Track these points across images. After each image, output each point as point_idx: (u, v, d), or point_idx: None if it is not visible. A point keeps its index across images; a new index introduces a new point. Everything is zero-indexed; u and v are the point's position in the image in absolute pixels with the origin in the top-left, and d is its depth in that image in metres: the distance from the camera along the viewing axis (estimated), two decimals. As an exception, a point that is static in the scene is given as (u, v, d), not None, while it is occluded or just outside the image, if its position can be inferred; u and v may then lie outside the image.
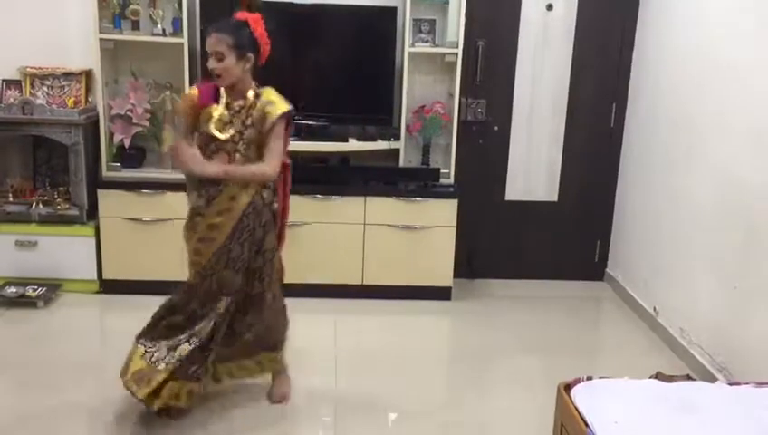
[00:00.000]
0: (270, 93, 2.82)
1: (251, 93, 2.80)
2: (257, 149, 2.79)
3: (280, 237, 3.02)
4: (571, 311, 4.40)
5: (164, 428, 2.93)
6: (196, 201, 2.85)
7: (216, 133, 2.76)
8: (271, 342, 3.07)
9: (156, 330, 2.91)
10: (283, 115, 2.76)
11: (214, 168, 2.72)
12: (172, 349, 2.84)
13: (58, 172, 4.34)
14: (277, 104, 2.77)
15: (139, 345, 2.92)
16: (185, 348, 2.83)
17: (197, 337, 2.84)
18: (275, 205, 2.94)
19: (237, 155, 2.78)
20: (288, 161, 2.95)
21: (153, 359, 2.86)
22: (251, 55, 2.76)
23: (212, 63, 2.73)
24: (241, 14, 2.80)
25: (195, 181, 2.84)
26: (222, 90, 2.80)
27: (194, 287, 2.87)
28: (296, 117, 2.92)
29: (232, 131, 2.77)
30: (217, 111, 2.78)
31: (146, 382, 2.80)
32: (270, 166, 2.76)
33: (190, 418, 2.97)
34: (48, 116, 4.02)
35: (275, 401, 3.12)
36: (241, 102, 2.80)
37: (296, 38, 4.21)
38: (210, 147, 2.78)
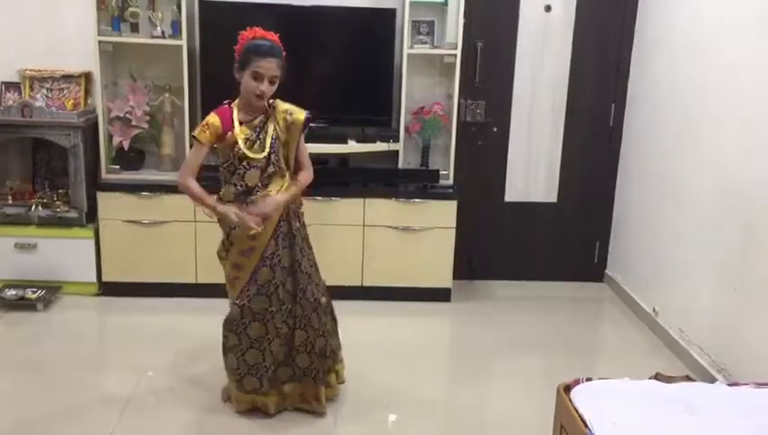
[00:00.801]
0: (281, 103, 2.88)
1: (267, 107, 2.85)
2: (287, 157, 2.89)
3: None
4: (570, 312, 4.39)
5: (163, 428, 2.93)
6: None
7: (252, 155, 2.79)
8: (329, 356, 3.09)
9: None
10: (307, 119, 2.86)
11: (270, 208, 2.78)
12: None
13: (57, 174, 4.34)
14: (296, 111, 2.86)
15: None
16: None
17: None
18: (301, 209, 3.00)
19: (270, 168, 2.83)
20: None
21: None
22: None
23: (265, 87, 2.75)
24: (265, 33, 2.82)
25: (233, 199, 2.83)
26: (236, 110, 2.82)
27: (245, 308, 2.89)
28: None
29: (267, 149, 2.81)
30: (242, 132, 2.80)
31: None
32: (310, 170, 2.96)
33: (177, 419, 2.98)
34: (47, 118, 4.02)
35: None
36: (261, 118, 2.84)
37: (295, 40, 4.18)
38: (241, 166, 2.82)
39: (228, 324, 2.93)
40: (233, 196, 2.83)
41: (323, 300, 3.01)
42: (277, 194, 2.82)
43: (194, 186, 2.80)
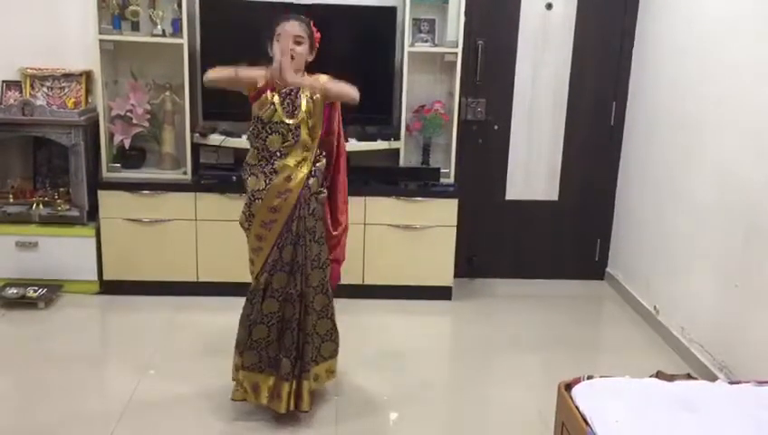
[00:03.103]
0: (324, 77, 2.93)
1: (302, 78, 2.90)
2: (310, 131, 2.90)
3: (342, 225, 3.13)
4: (571, 310, 4.40)
5: (164, 426, 2.93)
6: (255, 184, 2.91)
7: (286, 120, 2.85)
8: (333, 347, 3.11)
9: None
10: (330, 79, 2.90)
11: (299, 78, 2.86)
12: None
13: (58, 173, 4.34)
14: (321, 76, 2.92)
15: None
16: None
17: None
18: (322, 195, 3.00)
19: (290, 137, 2.86)
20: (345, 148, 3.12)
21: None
22: (314, 48, 2.94)
23: (290, 45, 2.83)
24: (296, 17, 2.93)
25: (256, 162, 2.91)
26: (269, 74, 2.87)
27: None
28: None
29: (298, 117, 2.86)
30: (274, 97, 2.86)
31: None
32: (351, 87, 2.92)
33: (179, 420, 2.98)
34: (48, 117, 4.02)
35: None
36: (290, 88, 2.87)
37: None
38: (264, 130, 2.88)
39: (248, 295, 2.99)
40: (256, 159, 2.92)
41: (317, 298, 2.99)
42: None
43: (222, 70, 2.90)
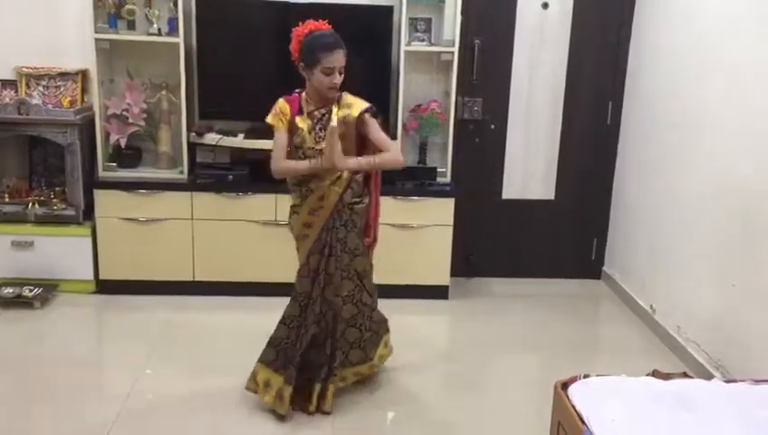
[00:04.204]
0: (349, 96, 2.95)
1: (335, 99, 2.92)
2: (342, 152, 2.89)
3: (370, 237, 3.16)
4: (568, 309, 4.40)
5: (161, 425, 2.93)
6: (294, 199, 3.00)
7: (312, 144, 2.90)
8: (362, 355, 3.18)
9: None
10: (366, 110, 2.91)
11: (353, 162, 2.90)
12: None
13: (54, 172, 4.33)
14: (355, 106, 2.92)
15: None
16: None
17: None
18: (358, 205, 3.02)
19: (320, 159, 2.88)
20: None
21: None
22: None
23: (337, 78, 2.85)
24: (319, 24, 2.94)
25: (296, 182, 2.97)
26: (303, 100, 2.93)
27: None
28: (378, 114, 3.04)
29: (321, 141, 2.89)
30: (305, 122, 2.90)
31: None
32: (396, 152, 2.98)
33: (179, 418, 2.97)
34: (44, 116, 4.01)
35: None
36: (322, 110, 2.91)
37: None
38: (298, 155, 2.92)
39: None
40: (295, 181, 2.96)
41: (345, 307, 3.05)
42: (360, 161, 2.91)
43: (287, 164, 2.91)
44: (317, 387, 3.01)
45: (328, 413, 3.02)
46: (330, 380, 3.03)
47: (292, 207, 3.02)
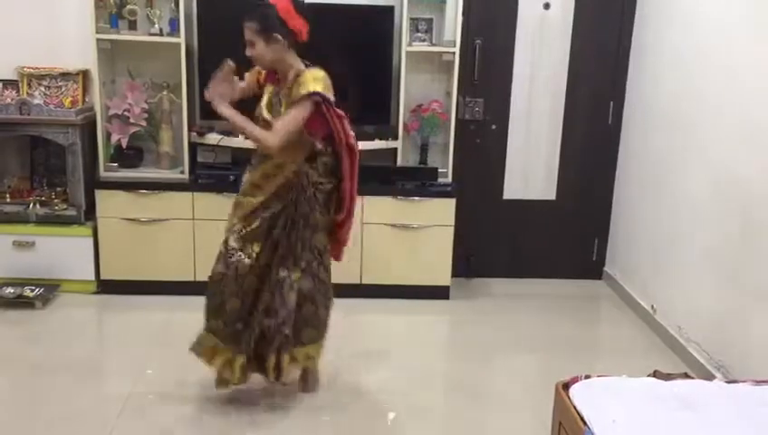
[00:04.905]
0: (308, 75, 2.84)
1: (292, 74, 2.87)
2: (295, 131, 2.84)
3: (341, 226, 3.08)
4: (569, 309, 4.40)
5: (162, 425, 2.93)
6: (254, 157, 3.01)
7: (266, 115, 2.90)
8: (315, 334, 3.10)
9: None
10: (307, 95, 2.78)
11: (225, 109, 2.82)
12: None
13: (55, 172, 4.33)
14: (306, 85, 2.80)
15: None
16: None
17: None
18: (326, 186, 2.97)
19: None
20: (353, 144, 2.98)
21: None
22: (278, 36, 2.80)
23: (247, 51, 2.84)
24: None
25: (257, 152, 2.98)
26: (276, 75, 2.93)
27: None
28: (326, 101, 2.90)
29: (265, 111, 2.90)
30: (268, 93, 2.93)
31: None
32: (271, 135, 2.79)
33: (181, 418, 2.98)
34: (45, 116, 4.02)
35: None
36: (286, 83, 2.89)
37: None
38: (259, 125, 2.89)
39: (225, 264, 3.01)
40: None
41: (303, 279, 2.98)
42: (235, 115, 2.84)
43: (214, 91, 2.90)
44: (272, 358, 2.95)
45: (285, 385, 3.02)
46: (285, 349, 2.95)
47: (249, 164, 3.01)
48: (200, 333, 3.02)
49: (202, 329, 3.02)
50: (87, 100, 4.29)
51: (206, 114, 4.30)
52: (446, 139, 4.40)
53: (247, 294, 2.96)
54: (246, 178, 3.00)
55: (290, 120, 2.79)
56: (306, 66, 2.90)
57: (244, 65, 2.97)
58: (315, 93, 2.78)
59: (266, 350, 2.97)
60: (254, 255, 2.93)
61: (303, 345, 3.05)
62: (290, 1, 2.83)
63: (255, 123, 2.87)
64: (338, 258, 3.18)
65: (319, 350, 3.13)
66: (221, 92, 2.84)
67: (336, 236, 3.11)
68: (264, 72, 2.99)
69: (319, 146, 2.92)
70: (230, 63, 2.85)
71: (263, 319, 2.95)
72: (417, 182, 4.28)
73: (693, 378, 2.73)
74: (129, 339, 3.75)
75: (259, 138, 2.81)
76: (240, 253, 2.93)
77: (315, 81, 2.81)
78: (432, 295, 4.32)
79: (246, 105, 3.00)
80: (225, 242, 2.98)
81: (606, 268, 4.83)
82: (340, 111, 2.91)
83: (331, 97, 2.86)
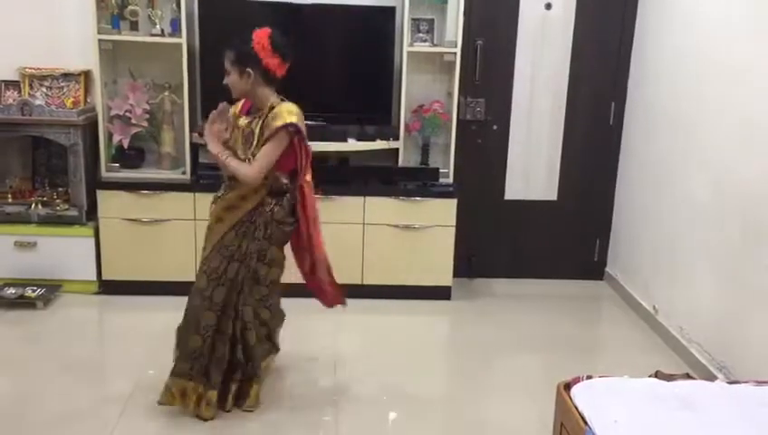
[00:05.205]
0: (283, 108, 2.86)
1: (266, 108, 2.89)
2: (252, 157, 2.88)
3: (307, 261, 3.10)
4: (570, 310, 4.39)
5: (163, 426, 2.93)
6: (221, 190, 3.02)
7: (238, 146, 2.92)
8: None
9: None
10: (283, 126, 2.80)
11: (215, 147, 2.88)
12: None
13: (57, 173, 4.34)
14: (281, 117, 2.82)
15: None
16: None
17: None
18: (288, 227, 3.00)
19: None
20: (307, 182, 2.99)
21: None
22: (250, 70, 2.83)
23: (225, 78, 2.89)
24: (257, 30, 2.88)
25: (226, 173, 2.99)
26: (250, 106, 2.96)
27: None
28: (300, 134, 2.90)
29: (240, 144, 2.91)
30: (243, 122, 2.93)
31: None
32: (252, 169, 2.84)
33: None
34: (47, 117, 4.02)
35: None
36: (258, 114, 2.90)
37: (295, 38, 4.19)
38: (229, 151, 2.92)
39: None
40: (229, 174, 2.97)
41: (261, 311, 3.06)
42: (222, 153, 2.87)
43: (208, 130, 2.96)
44: (233, 387, 3.00)
45: (251, 411, 3.02)
46: (254, 379, 3.04)
47: (215, 195, 3.03)
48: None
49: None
50: (89, 100, 4.29)
51: (207, 115, 4.30)
52: (448, 139, 4.40)
53: (207, 328, 2.96)
54: (212, 209, 3.03)
55: (269, 151, 2.83)
56: (281, 100, 2.91)
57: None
58: (291, 124, 2.81)
59: (229, 379, 3.01)
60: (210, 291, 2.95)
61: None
62: (269, 39, 2.83)
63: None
64: (337, 302, 3.24)
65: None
66: (216, 131, 2.90)
67: (315, 286, 3.16)
68: (240, 104, 3.00)
69: (284, 180, 2.95)
70: (225, 104, 2.91)
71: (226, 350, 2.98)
72: (419, 182, 4.28)
73: (694, 378, 2.73)
74: (130, 339, 3.75)
75: (240, 171, 2.84)
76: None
77: (290, 114, 2.84)
78: (433, 296, 4.32)
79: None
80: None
81: (607, 269, 4.83)
82: (309, 149, 2.96)
83: (304, 131, 2.89)
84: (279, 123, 2.80)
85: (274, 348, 3.28)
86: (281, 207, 2.94)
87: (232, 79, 2.87)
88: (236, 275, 2.94)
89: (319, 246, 3.08)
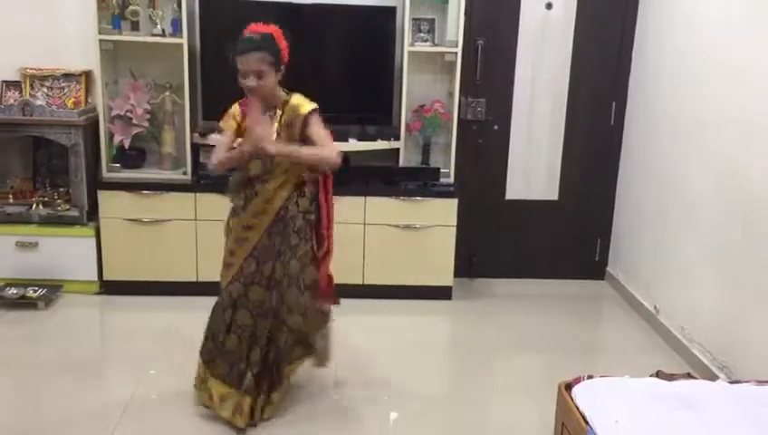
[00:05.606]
0: (296, 97, 2.89)
1: (279, 102, 2.87)
2: None
3: (323, 248, 3.03)
4: (571, 310, 4.39)
5: (164, 426, 2.93)
6: (236, 201, 2.94)
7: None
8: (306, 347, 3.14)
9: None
10: (314, 110, 2.84)
11: (277, 146, 2.78)
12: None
13: (58, 173, 4.34)
14: (303, 105, 2.85)
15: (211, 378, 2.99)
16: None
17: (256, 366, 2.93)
18: (312, 216, 2.97)
19: (268, 162, 2.84)
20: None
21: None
22: (282, 68, 2.84)
23: (251, 82, 2.77)
24: (259, 27, 2.85)
25: (239, 181, 2.92)
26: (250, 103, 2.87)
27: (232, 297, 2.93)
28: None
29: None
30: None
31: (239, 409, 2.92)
32: (330, 148, 2.81)
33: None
34: (48, 117, 4.02)
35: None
36: (272, 112, 2.87)
37: (296, 38, 4.17)
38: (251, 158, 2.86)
39: (216, 307, 3.02)
40: (238, 182, 2.92)
41: (292, 317, 2.98)
42: (291, 149, 2.81)
43: (218, 156, 2.86)
44: (249, 400, 2.92)
45: (267, 419, 2.97)
46: (275, 388, 3.00)
47: (233, 209, 2.96)
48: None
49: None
50: (89, 100, 4.29)
51: (208, 115, 4.31)
52: (449, 139, 4.40)
53: (244, 327, 2.94)
54: (235, 222, 2.94)
55: (322, 131, 2.83)
56: (286, 92, 2.91)
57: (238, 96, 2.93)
58: (316, 109, 2.85)
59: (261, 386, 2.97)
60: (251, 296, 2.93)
61: (290, 363, 3.08)
62: (283, 35, 2.85)
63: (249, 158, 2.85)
64: (328, 299, 3.13)
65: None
66: (267, 133, 2.79)
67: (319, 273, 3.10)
68: (237, 114, 2.90)
69: (305, 172, 2.92)
70: (256, 102, 2.81)
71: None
72: (420, 182, 4.28)
73: (696, 378, 2.73)
74: (131, 340, 3.75)
75: (324, 154, 2.80)
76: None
77: (305, 100, 2.86)
78: (434, 296, 4.32)
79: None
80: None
81: (608, 268, 4.83)
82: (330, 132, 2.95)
83: None
84: (308, 107, 2.84)
85: (306, 352, 3.14)
86: (305, 198, 2.93)
87: (268, 80, 2.78)
88: (272, 273, 2.90)
89: (332, 235, 3.07)
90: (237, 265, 2.92)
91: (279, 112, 2.86)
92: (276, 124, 2.85)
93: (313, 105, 2.86)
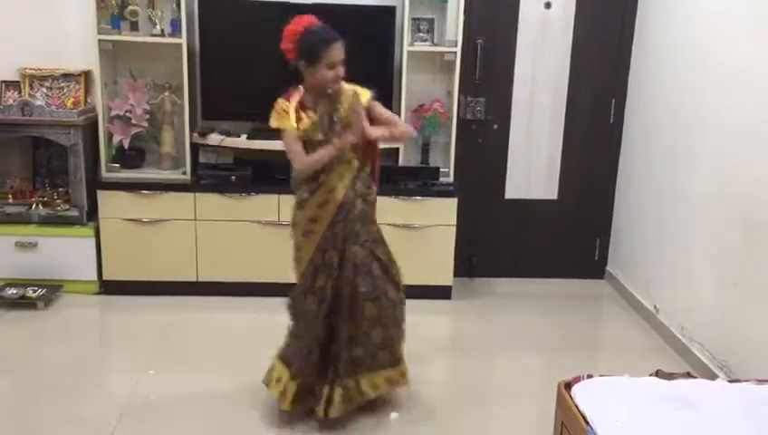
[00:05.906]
0: (345, 85, 2.89)
1: (329, 90, 2.84)
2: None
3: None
4: (571, 309, 4.39)
5: (164, 426, 2.93)
6: (301, 196, 2.92)
7: (320, 136, 2.83)
8: (390, 357, 3.05)
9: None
10: (373, 97, 2.90)
11: (377, 130, 2.86)
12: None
13: (57, 173, 4.34)
14: (361, 92, 2.88)
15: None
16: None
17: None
18: (371, 197, 2.98)
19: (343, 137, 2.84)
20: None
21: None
22: None
23: (340, 71, 2.81)
24: (302, 19, 2.87)
25: (305, 175, 2.87)
26: (299, 96, 2.86)
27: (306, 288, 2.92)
28: None
29: (327, 132, 2.84)
30: (310, 117, 2.83)
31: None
32: (405, 125, 3.03)
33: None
34: (47, 117, 4.02)
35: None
36: (326, 101, 2.85)
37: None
38: (308, 149, 2.83)
39: (291, 302, 2.99)
40: (304, 175, 2.88)
41: (365, 307, 2.94)
42: (382, 131, 2.87)
43: (312, 157, 2.81)
44: (325, 390, 2.91)
45: (332, 418, 2.92)
46: (336, 382, 2.93)
47: (299, 202, 2.92)
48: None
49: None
50: (89, 101, 4.29)
51: (207, 115, 4.32)
52: (448, 138, 4.40)
53: (309, 313, 2.93)
54: (301, 215, 2.91)
55: (387, 110, 2.94)
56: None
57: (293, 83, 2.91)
58: (374, 93, 2.92)
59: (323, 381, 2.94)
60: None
61: (383, 369, 3.03)
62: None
63: (311, 148, 2.82)
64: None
65: (402, 373, 3.11)
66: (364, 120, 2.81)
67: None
68: (294, 104, 2.85)
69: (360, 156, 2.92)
70: (360, 102, 2.85)
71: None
72: (419, 182, 4.28)
73: (695, 378, 2.73)
74: (131, 340, 3.75)
75: (407, 131, 3.01)
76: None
77: (358, 87, 2.90)
78: (434, 295, 4.32)
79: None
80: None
81: (608, 268, 4.83)
82: None
83: None
84: (368, 94, 2.89)
85: (394, 359, 3.05)
86: (361, 181, 2.92)
87: (344, 69, 2.83)
88: (340, 261, 2.88)
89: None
90: (306, 258, 2.91)
91: (329, 101, 2.84)
92: (338, 111, 2.85)
93: (369, 90, 2.91)
